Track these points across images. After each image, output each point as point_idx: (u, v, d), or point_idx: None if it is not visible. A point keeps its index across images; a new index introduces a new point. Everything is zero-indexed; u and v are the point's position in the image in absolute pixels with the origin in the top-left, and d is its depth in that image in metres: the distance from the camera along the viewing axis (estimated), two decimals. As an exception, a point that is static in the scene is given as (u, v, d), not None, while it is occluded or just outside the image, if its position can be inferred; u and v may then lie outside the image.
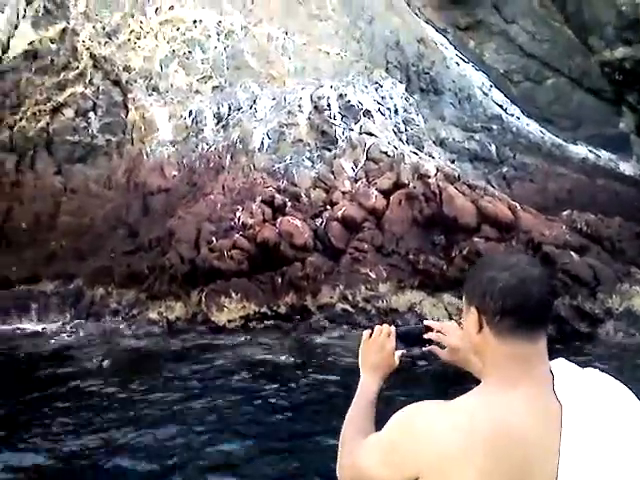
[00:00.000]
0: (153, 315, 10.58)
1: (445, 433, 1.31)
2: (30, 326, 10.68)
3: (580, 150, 15.14)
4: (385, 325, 1.76)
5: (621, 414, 1.36)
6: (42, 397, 7.31)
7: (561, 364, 1.43)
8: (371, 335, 1.74)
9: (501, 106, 15.72)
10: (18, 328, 10.64)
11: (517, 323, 1.36)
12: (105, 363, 8.70)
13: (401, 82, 14.63)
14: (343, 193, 11.96)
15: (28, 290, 11.44)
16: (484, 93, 15.72)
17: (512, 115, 15.67)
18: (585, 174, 14.29)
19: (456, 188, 11.45)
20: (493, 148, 14.85)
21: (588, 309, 9.56)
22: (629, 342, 9.15)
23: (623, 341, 9.21)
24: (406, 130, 13.36)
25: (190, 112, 13.42)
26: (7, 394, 7.32)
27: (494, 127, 15.20)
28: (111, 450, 5.74)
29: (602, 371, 1.46)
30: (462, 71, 15.78)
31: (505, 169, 14.53)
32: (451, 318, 10.19)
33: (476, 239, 10.61)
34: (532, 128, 15.49)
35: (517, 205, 11.35)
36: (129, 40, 13.68)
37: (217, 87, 13.82)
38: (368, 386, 1.69)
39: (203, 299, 10.51)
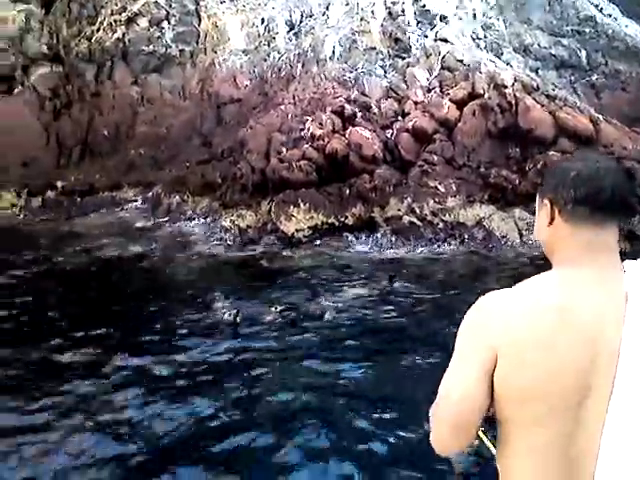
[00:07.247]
0: (225, 223, 10.93)
1: (514, 305, 1.36)
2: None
3: (685, 55, 13.88)
4: None
5: None
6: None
7: (634, 262, 1.44)
8: None
9: (597, 6, 14.50)
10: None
11: (589, 211, 1.38)
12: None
13: (485, -17, 13.72)
14: (415, 103, 11.63)
15: (112, 197, 12.07)
16: (579, -8, 14.51)
17: (609, 16, 14.45)
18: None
19: (534, 99, 10.88)
20: (583, 54, 13.87)
21: (665, 228, 9.09)
22: None
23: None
24: (485, 37, 12.65)
25: (262, 20, 13.22)
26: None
27: (586, 30, 14.12)
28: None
29: None
30: (555, -32, 14.56)
31: (595, 77, 13.60)
32: (521, 234, 10.00)
33: (551, 152, 10.15)
34: (631, 30, 14.28)
35: (599, 117, 10.69)
36: (202, -54, 13.44)
37: (289, -8, 13.49)
38: None
39: (272, 209, 10.72)
